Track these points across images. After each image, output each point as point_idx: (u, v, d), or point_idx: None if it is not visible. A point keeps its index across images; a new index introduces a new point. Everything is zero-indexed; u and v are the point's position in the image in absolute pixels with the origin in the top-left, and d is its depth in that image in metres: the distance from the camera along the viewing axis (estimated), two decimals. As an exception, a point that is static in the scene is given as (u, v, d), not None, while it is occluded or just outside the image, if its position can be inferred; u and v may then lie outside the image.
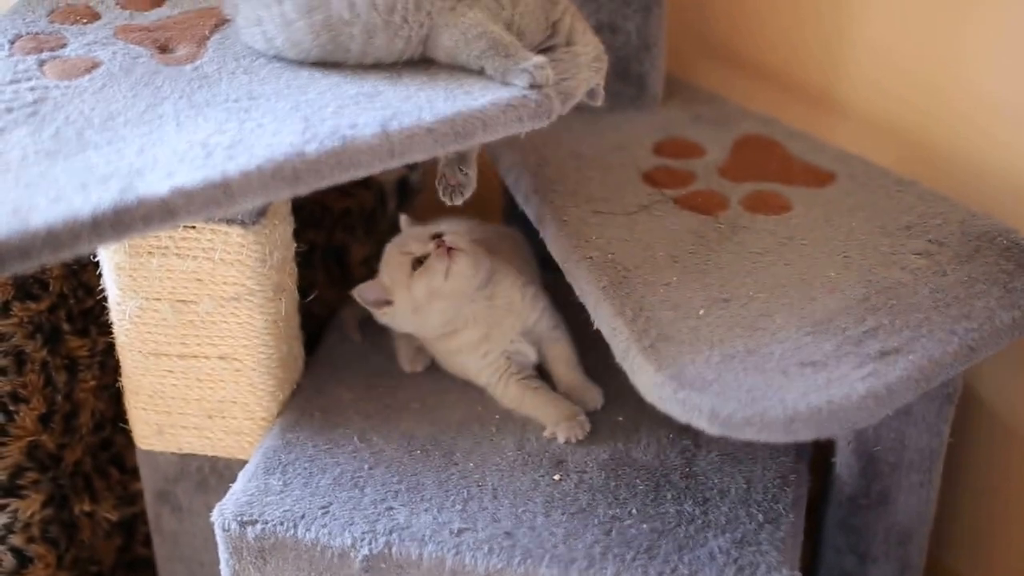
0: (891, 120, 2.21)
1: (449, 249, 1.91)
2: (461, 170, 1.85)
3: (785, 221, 1.94)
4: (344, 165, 1.57)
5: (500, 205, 2.41)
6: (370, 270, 2.27)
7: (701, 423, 1.59)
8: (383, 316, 1.97)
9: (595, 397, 1.97)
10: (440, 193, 1.87)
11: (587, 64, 1.81)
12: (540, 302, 2.01)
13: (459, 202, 1.87)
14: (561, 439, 1.91)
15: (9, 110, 1.69)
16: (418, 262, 1.92)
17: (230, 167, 1.53)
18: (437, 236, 1.93)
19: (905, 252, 1.86)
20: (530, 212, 2.02)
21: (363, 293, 1.95)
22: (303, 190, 1.57)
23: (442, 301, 1.92)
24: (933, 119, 2.14)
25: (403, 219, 2.06)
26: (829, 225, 1.93)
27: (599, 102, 1.85)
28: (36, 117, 1.67)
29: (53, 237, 1.44)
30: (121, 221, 1.47)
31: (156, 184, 1.50)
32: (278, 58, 1.79)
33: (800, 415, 1.56)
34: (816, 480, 1.97)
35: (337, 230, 2.28)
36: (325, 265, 2.29)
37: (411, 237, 1.98)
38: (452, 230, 1.95)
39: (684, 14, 2.47)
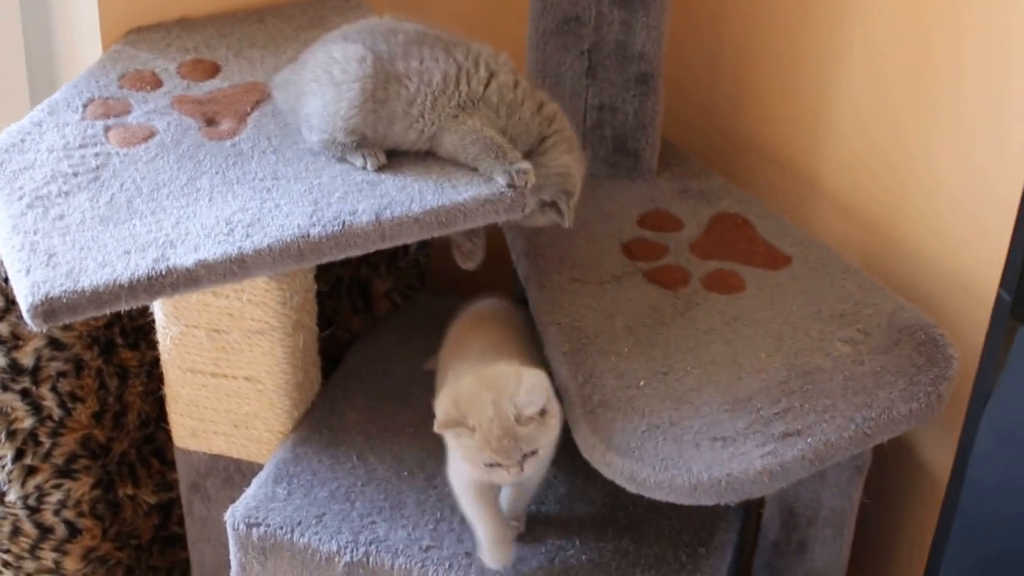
0: (858, 204, 2.34)
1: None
2: (471, 240, 2.11)
3: (735, 301, 2.11)
4: (342, 246, 1.84)
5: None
6: (391, 302, 2.54)
7: (622, 482, 1.84)
8: None
9: (517, 527, 2.02)
10: (456, 258, 2.12)
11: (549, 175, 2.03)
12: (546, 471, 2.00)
13: (472, 266, 2.12)
14: (487, 563, 1.95)
15: (75, 174, 1.95)
16: None
17: (246, 245, 1.81)
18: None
19: (833, 339, 2.01)
20: (520, 272, 2.23)
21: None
22: (306, 265, 1.85)
23: None
24: (892, 206, 2.26)
25: None
26: (772, 308, 2.08)
27: (567, 224, 2.04)
28: (97, 183, 1.93)
29: (96, 297, 1.74)
30: (153, 287, 1.76)
31: (184, 256, 1.79)
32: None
33: (703, 484, 1.80)
34: (752, 526, 2.18)
35: (362, 267, 2.51)
36: (350, 297, 2.52)
37: None
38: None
39: (696, 86, 2.68)
